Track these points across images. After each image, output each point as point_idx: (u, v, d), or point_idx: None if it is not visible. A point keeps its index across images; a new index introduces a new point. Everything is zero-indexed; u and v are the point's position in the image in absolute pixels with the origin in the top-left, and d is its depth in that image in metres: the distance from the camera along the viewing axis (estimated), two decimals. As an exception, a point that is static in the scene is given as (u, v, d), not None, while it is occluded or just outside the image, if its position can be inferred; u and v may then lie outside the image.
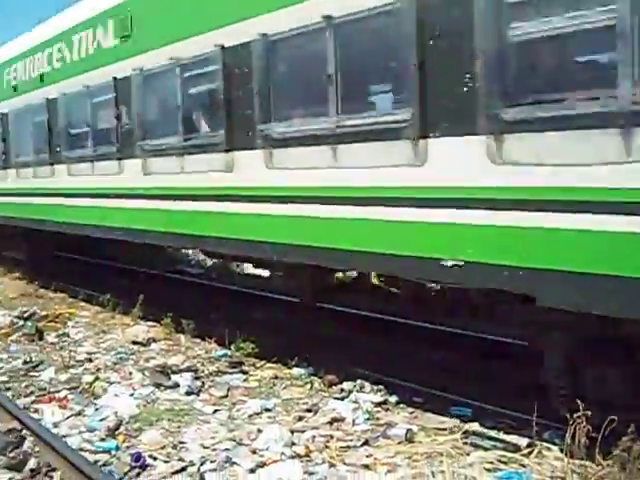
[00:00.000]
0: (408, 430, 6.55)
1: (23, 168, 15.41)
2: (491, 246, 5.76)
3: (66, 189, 13.16)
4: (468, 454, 6.06)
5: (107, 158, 11.55)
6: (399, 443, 6.41)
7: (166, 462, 6.20)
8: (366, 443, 6.43)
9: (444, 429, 6.71)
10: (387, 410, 7.28)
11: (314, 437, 6.55)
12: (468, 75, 5.80)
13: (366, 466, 5.96)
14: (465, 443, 6.27)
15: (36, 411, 7.69)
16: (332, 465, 5.99)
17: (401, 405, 7.40)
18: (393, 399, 7.49)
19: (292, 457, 6.15)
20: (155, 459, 6.27)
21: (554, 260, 5.34)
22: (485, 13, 5.64)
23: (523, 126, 5.49)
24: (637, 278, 4.88)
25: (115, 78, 11.10)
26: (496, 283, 5.84)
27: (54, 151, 13.57)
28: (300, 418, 7.12)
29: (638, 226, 4.84)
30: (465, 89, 5.85)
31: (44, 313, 12.54)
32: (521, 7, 5.61)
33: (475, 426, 6.63)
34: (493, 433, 6.47)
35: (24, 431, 6.84)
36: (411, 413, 7.21)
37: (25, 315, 12.19)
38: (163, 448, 6.51)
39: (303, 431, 6.70)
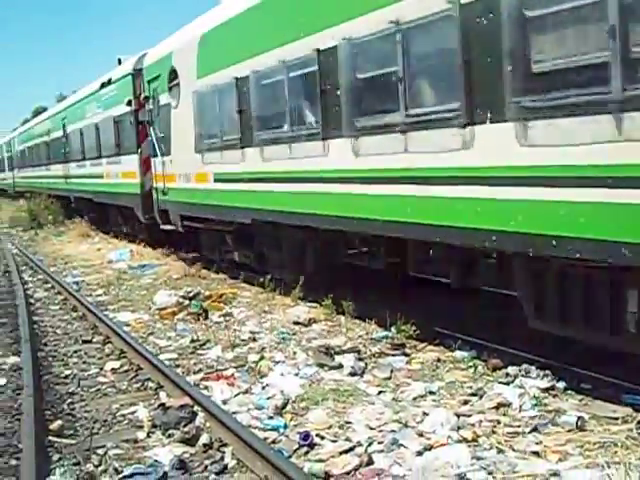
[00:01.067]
0: (579, 418, 6.32)
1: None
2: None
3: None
4: (644, 445, 5.79)
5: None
6: (569, 431, 6.18)
7: (333, 442, 6.25)
8: (535, 430, 6.24)
9: (616, 418, 6.41)
10: (555, 396, 7.03)
11: (481, 422, 6.43)
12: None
13: (536, 453, 5.79)
14: (640, 434, 5.99)
15: (205, 388, 7.95)
16: (500, 451, 5.86)
17: (569, 391, 7.13)
18: (560, 385, 7.22)
19: (459, 441, 6.06)
20: (322, 438, 6.33)
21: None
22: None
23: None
24: None
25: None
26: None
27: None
28: (465, 402, 7.01)
29: None
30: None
31: (207, 293, 12.93)
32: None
33: (651, 416, 6.32)
34: (671, 424, 6.15)
35: (195, 407, 7.07)
36: (580, 400, 6.95)
37: (190, 295, 12.60)
38: (330, 428, 6.57)
39: (469, 415, 6.59)
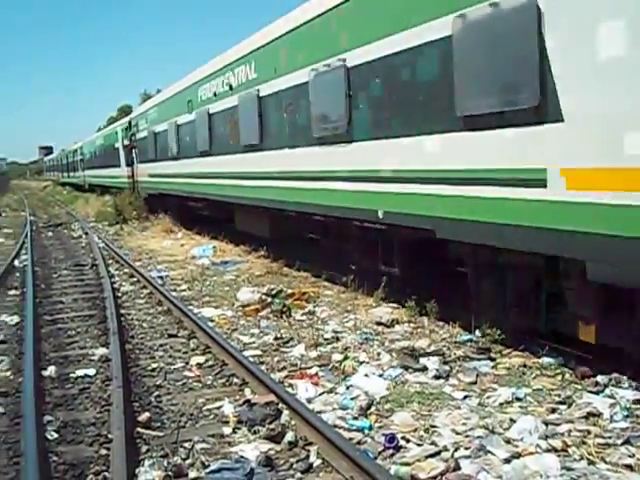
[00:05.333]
0: (674, 432, 6.15)
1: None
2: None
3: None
4: None
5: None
6: (664, 445, 6.03)
7: (419, 445, 6.21)
8: (627, 442, 6.06)
9: None
10: (647, 408, 6.87)
11: (570, 431, 6.30)
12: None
13: (628, 466, 5.63)
14: None
15: (290, 386, 7.99)
16: (591, 462, 5.72)
17: (662, 403, 6.95)
18: (653, 397, 7.05)
19: (548, 450, 5.95)
20: (408, 441, 6.30)
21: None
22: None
23: None
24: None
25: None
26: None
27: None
28: (553, 410, 6.87)
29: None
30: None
31: (290, 291, 12.97)
32: None
33: None
34: None
35: (280, 405, 7.11)
36: (675, 413, 6.76)
37: (272, 292, 12.68)
38: (415, 431, 6.53)
39: (558, 424, 6.46)
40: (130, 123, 35.49)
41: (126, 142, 36.45)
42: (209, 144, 20.30)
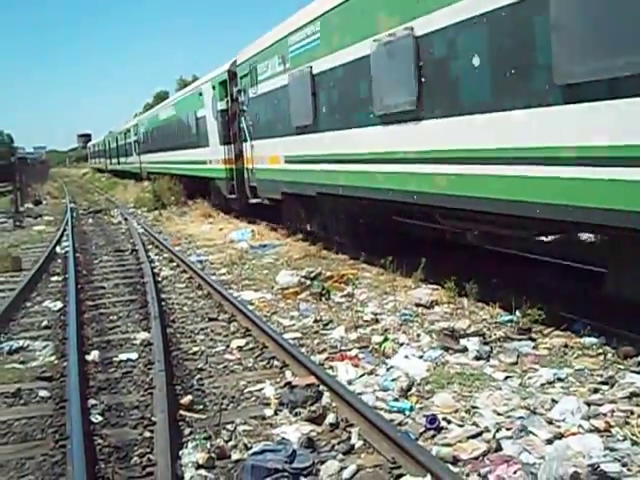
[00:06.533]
0: None
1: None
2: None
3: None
4: None
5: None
6: None
7: (460, 426, 6.21)
8: (671, 422, 6.03)
9: None
10: (692, 388, 6.78)
11: (613, 411, 6.22)
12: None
13: (673, 448, 5.59)
14: None
15: (330, 368, 8.02)
16: (635, 443, 5.65)
17: None
18: (699, 377, 6.95)
19: (591, 431, 5.90)
20: (449, 422, 6.29)
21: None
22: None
23: None
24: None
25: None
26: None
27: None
28: (595, 390, 6.81)
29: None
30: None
31: (329, 274, 12.98)
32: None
33: None
34: None
35: (321, 387, 7.14)
36: None
37: (311, 275, 12.70)
38: (456, 412, 6.52)
39: (600, 404, 6.39)
40: (232, 72, 21.58)
41: (221, 106, 22.93)
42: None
